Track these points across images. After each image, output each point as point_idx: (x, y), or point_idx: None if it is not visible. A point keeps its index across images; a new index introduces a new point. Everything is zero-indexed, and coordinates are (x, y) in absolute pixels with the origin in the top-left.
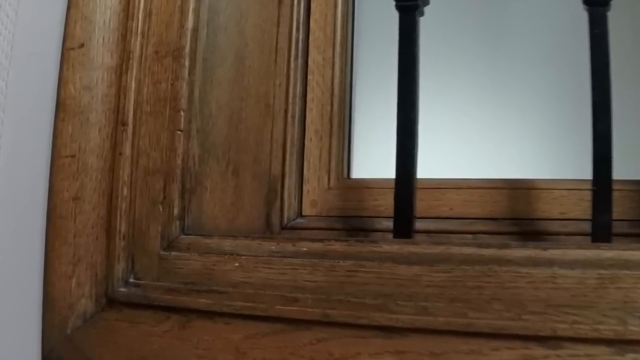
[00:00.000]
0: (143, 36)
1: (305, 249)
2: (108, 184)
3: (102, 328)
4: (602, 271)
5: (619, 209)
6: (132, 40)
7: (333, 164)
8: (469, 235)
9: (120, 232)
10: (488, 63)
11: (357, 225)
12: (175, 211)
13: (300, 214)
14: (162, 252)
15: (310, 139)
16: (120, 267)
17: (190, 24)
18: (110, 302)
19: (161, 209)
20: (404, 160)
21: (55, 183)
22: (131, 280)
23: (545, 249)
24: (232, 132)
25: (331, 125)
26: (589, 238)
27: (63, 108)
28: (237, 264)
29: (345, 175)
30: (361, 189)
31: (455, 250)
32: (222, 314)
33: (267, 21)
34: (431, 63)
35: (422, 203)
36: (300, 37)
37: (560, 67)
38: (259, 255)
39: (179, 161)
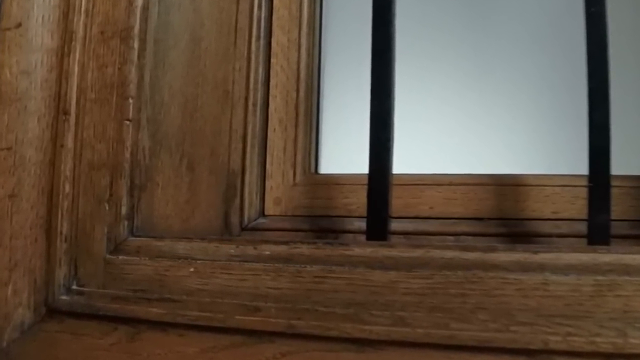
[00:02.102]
0: (87, 15)
1: (268, 253)
2: (48, 180)
3: (41, 340)
4: (600, 277)
5: (618, 207)
6: (75, 20)
7: (299, 157)
8: (451, 237)
9: (61, 233)
10: (472, 46)
11: (326, 225)
12: (123, 210)
13: (262, 213)
14: (108, 256)
15: (274, 130)
16: (61, 273)
17: (139, 1)
18: (51, 311)
19: (107, 208)
20: (378, 153)
21: None
22: (74, 287)
23: (535, 252)
24: (186, 121)
25: (297, 114)
26: (584, 240)
27: None
28: (192, 269)
29: (312, 170)
30: (330, 186)
31: (435, 253)
32: (175, 325)
33: None
34: (408, 45)
35: (398, 201)
36: (263, 16)
37: (553, 50)
38: (216, 260)
39: (127, 154)
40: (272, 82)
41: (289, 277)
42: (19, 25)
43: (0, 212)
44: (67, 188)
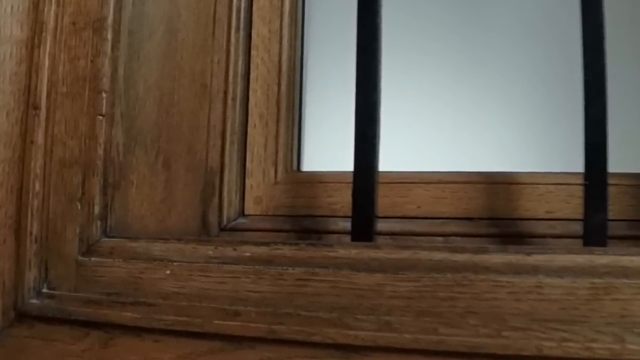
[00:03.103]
0: (58, 5)
1: (248, 254)
2: (17, 178)
3: (10, 346)
4: (596, 280)
5: (616, 207)
6: (46, 10)
7: (280, 154)
8: (440, 238)
9: (31, 234)
10: (463, 37)
11: (309, 226)
12: (96, 210)
13: (242, 213)
14: (80, 258)
15: (254, 125)
16: (31, 275)
17: None
18: (20, 316)
19: (79, 207)
20: (364, 150)
21: None
22: (44, 290)
23: (529, 254)
24: (162, 117)
25: (278, 109)
26: (580, 241)
27: None
28: (168, 272)
29: (294, 167)
30: (313, 184)
31: (423, 255)
32: (150, 330)
33: None
34: (396, 37)
35: (384, 200)
36: (243, 6)
37: (547, 42)
38: (193, 262)
39: (100, 151)
40: (253, 76)
41: (270, 280)
42: None
43: None
44: (37, 186)
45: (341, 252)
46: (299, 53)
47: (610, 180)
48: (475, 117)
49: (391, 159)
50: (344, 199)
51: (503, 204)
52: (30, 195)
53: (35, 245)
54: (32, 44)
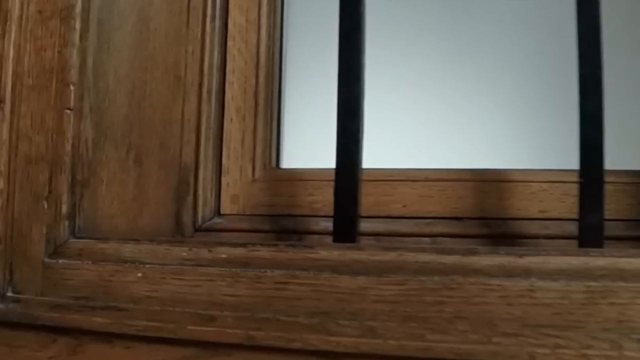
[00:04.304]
0: None
1: (224, 256)
2: None
3: None
4: (592, 283)
5: (613, 206)
6: None
7: (258, 150)
8: (427, 239)
9: None
10: (451, 26)
11: (289, 226)
12: (64, 209)
13: (217, 213)
14: (47, 260)
15: (231, 120)
16: None
17: None
18: None
19: (46, 206)
20: (347, 146)
21: None
22: (9, 294)
23: (521, 255)
24: (133, 111)
25: (256, 103)
26: (575, 242)
27: None
28: (140, 275)
29: (273, 164)
30: (293, 182)
31: (409, 257)
32: (121, 336)
33: None
34: (380, 26)
35: (368, 199)
36: None
37: (541, 32)
38: (167, 264)
39: (68, 147)
40: (229, 67)
41: (248, 283)
42: None
43: None
44: (2, 184)
45: (322, 254)
46: (278, 43)
47: (607, 178)
48: (465, 110)
49: (375, 155)
50: (325, 197)
51: (494, 202)
52: None
53: (0, 247)
54: None
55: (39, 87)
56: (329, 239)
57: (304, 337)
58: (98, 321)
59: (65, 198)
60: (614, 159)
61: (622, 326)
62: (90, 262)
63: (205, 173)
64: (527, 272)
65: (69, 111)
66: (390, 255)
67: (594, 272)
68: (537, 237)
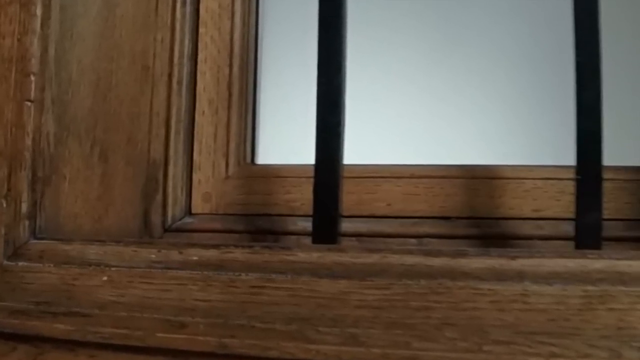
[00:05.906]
0: None
1: (195, 258)
2: None
3: None
4: (589, 287)
5: (612, 204)
6: None
7: (232, 145)
8: (413, 240)
9: None
10: (439, 12)
11: (265, 226)
12: (24, 208)
13: (188, 212)
14: (5, 262)
15: (202, 113)
16: None
17: None
18: None
19: (5, 205)
20: (327, 140)
21: None
22: None
23: (513, 257)
24: (98, 103)
25: (230, 95)
26: (571, 243)
27: None
28: (105, 278)
29: (248, 160)
30: (270, 179)
31: (394, 259)
32: (85, 344)
33: None
34: (362, 12)
35: (350, 197)
36: None
37: (535, 18)
38: (134, 267)
39: (29, 141)
40: (201, 56)
41: (221, 288)
42: None
43: None
44: None
45: (301, 256)
46: (253, 31)
47: (606, 175)
48: (453, 102)
49: (357, 150)
50: (304, 195)
51: (484, 201)
52: None
53: None
54: None
55: None
56: (307, 240)
57: (281, 345)
58: (60, 328)
59: (25, 196)
60: (613, 155)
61: (621, 333)
62: (52, 265)
63: (175, 170)
64: (520, 276)
65: (29, 103)
66: (374, 258)
67: (591, 275)
68: (530, 237)
